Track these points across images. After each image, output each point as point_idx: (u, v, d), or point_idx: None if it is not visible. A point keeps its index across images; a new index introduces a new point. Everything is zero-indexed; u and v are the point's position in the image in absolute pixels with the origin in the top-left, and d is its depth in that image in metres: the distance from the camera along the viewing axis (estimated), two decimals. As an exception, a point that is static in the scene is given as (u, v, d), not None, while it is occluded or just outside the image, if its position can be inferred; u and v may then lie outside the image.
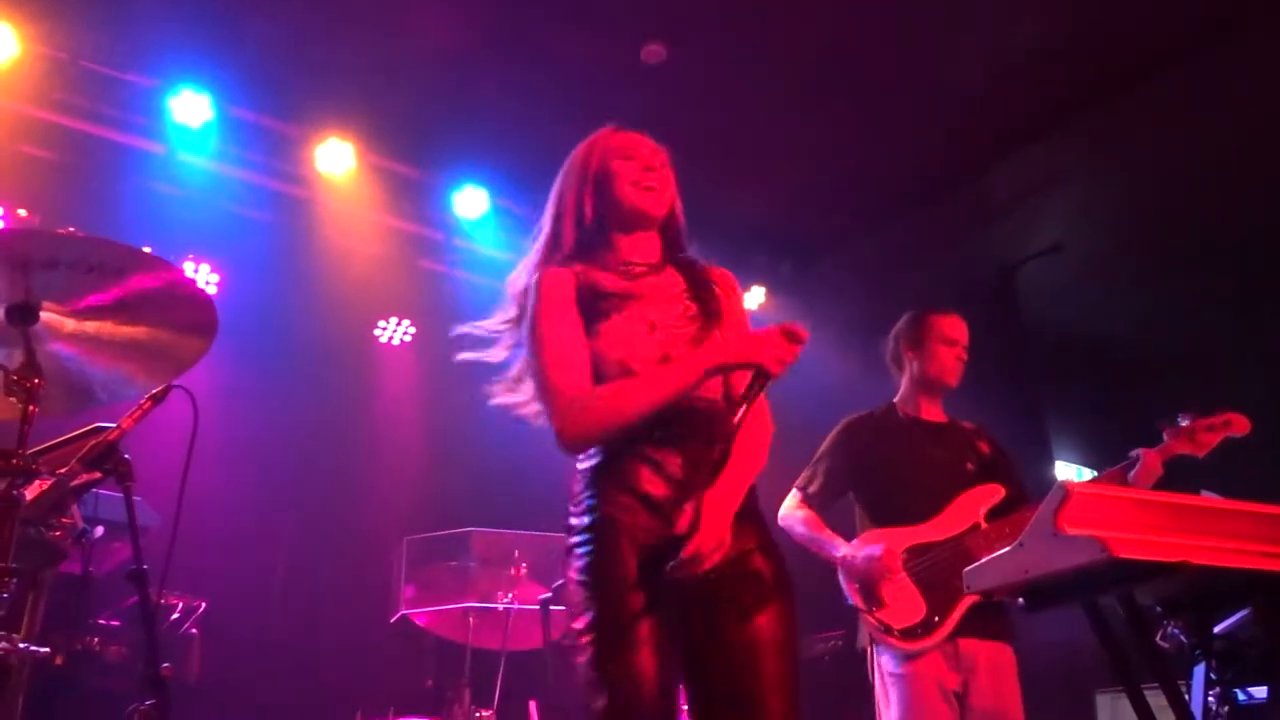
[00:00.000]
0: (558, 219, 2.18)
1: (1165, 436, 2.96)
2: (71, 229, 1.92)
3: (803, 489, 3.23)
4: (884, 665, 2.94)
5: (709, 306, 2.12)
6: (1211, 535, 1.92)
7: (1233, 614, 2.87)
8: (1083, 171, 5.61)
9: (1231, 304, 5.46)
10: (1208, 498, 2.12)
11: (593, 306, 2.05)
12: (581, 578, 1.93)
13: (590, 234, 2.15)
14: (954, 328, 3.24)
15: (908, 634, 2.85)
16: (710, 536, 1.85)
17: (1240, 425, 2.97)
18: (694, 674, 1.93)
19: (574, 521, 2.00)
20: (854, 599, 2.98)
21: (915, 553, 2.95)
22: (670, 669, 1.87)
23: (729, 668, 1.90)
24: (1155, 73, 4.92)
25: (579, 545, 1.97)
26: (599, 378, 2.00)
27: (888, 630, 2.87)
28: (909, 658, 2.87)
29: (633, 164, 2.17)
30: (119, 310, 2.02)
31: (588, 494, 2.00)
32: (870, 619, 2.90)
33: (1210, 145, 5.08)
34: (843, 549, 3.02)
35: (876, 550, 2.93)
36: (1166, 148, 5.22)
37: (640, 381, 1.94)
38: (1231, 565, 1.88)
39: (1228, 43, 4.67)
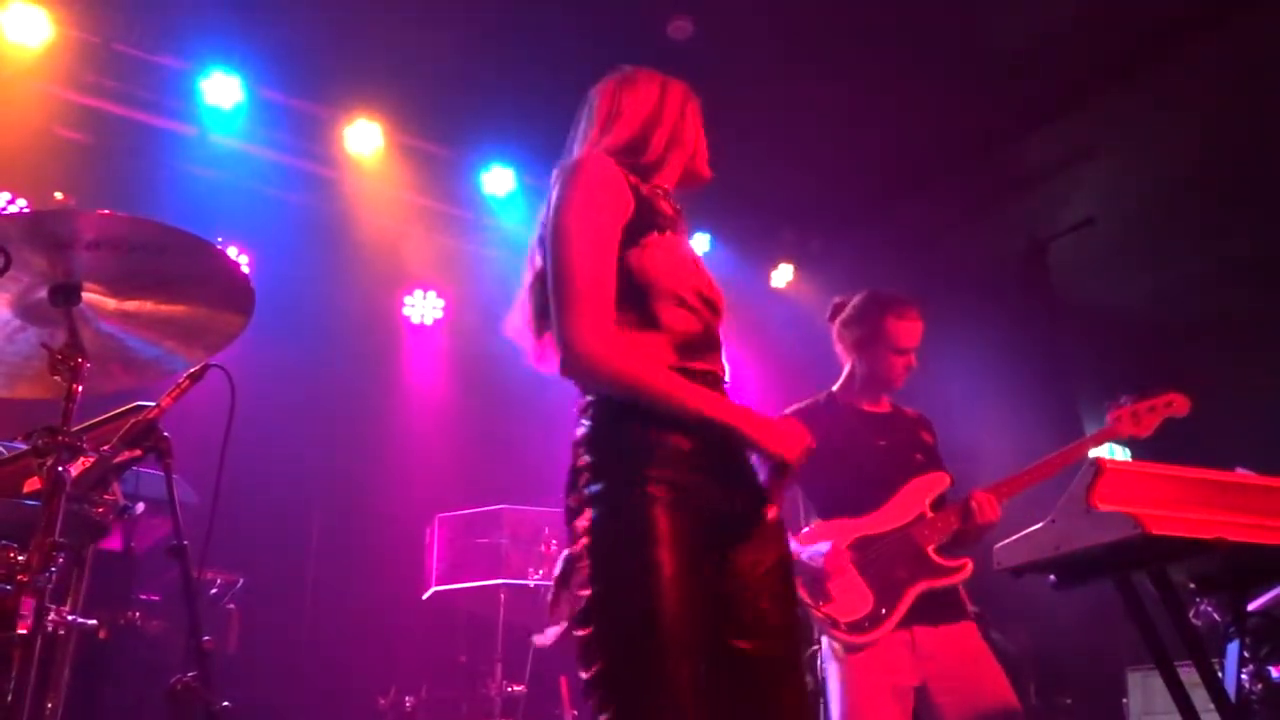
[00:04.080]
0: (648, 127, 2.00)
1: (1108, 418, 2.96)
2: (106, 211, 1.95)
3: None
4: (830, 655, 2.90)
5: None
6: (1247, 512, 1.92)
7: (1267, 591, 2.85)
8: (1115, 144, 5.54)
9: (1265, 274, 5.39)
10: (1243, 474, 2.11)
11: (646, 219, 1.87)
12: (601, 544, 1.72)
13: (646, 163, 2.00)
14: (908, 334, 3.05)
15: (854, 627, 2.81)
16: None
17: (1180, 406, 2.96)
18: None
19: (589, 491, 1.76)
20: (800, 593, 2.95)
21: (861, 545, 2.90)
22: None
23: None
24: (1189, 43, 4.83)
25: (598, 512, 1.74)
26: (637, 294, 1.83)
27: (834, 624, 2.83)
28: (856, 651, 2.86)
29: (701, 136, 2.13)
30: (159, 289, 2.05)
31: (613, 467, 1.78)
32: (817, 613, 2.88)
33: (1244, 115, 4.99)
34: (790, 544, 3.01)
35: (823, 547, 2.88)
36: (1200, 119, 5.14)
37: (680, 386, 1.76)
38: (1267, 542, 1.87)
39: (1261, 11, 4.58)
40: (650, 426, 1.76)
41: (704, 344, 1.88)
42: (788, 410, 3.12)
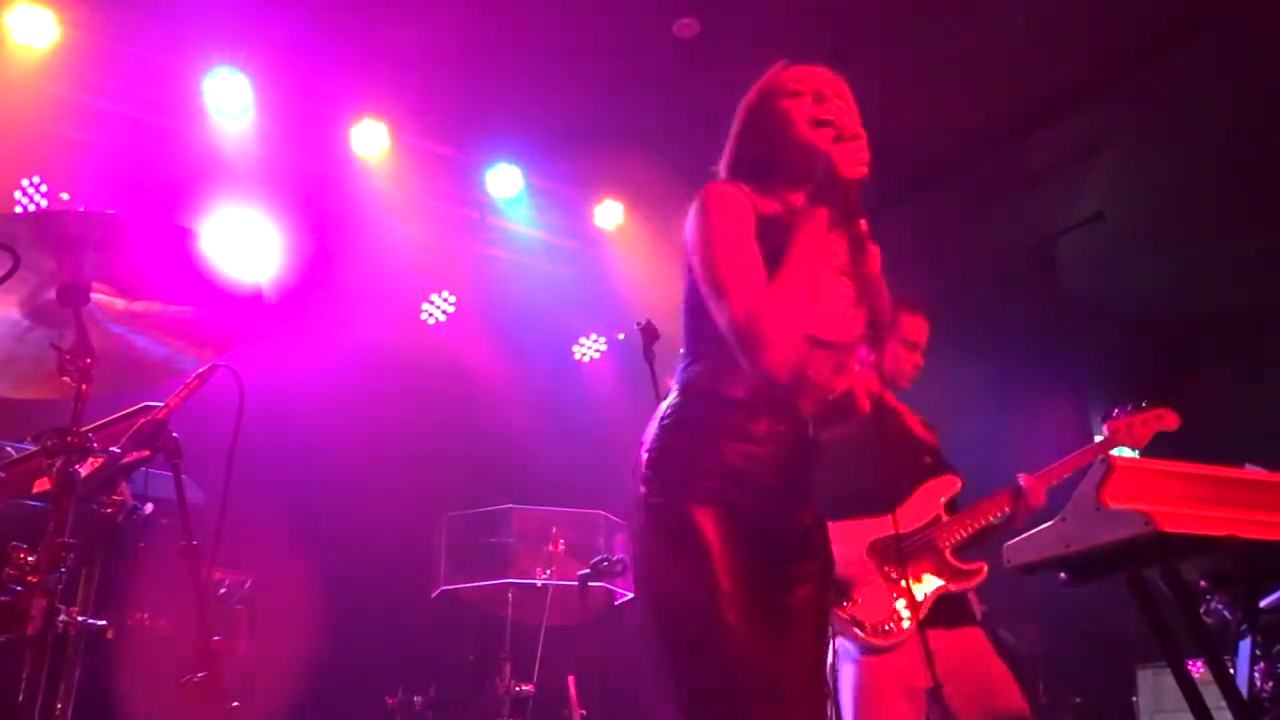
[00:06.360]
0: (742, 141, 2.03)
1: (1105, 430, 3.04)
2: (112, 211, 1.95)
3: None
4: (844, 656, 2.91)
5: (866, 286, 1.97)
6: (1258, 509, 1.90)
7: (1279, 588, 2.83)
8: (1124, 139, 5.51)
9: (1276, 269, 5.36)
10: (1254, 471, 2.10)
11: (777, 244, 1.83)
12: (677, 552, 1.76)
13: (753, 178, 1.97)
14: (917, 330, 3.12)
15: (878, 630, 2.84)
16: None
17: (1170, 421, 3.06)
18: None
19: (657, 500, 1.81)
20: None
21: (880, 547, 2.92)
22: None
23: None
24: (1199, 38, 4.81)
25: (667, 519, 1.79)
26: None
27: (859, 626, 2.85)
28: (876, 652, 2.85)
29: (803, 99, 2.04)
30: (166, 288, 2.05)
31: (674, 472, 1.81)
32: (841, 615, 2.88)
33: (1255, 108, 4.97)
34: None
35: (843, 554, 2.91)
36: (1210, 113, 5.11)
37: (792, 266, 1.77)
38: (1279, 539, 1.86)
39: (1271, 7, 4.55)
40: (702, 441, 1.81)
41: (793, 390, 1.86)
42: None
